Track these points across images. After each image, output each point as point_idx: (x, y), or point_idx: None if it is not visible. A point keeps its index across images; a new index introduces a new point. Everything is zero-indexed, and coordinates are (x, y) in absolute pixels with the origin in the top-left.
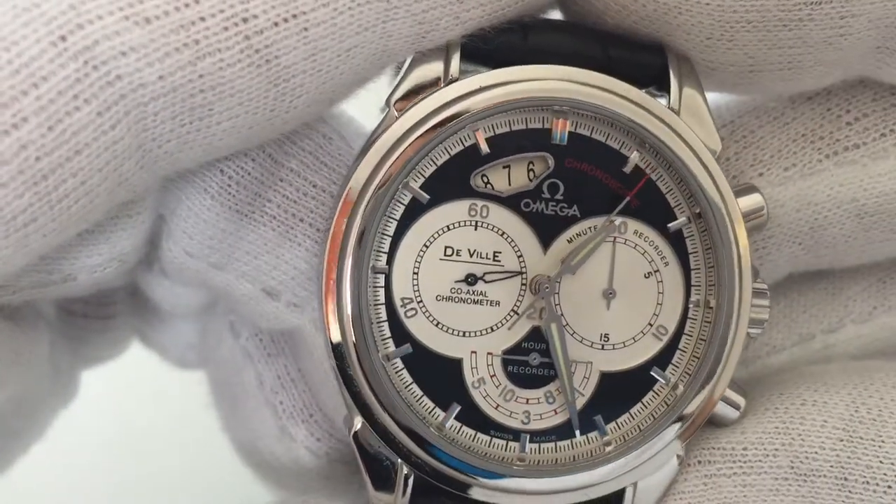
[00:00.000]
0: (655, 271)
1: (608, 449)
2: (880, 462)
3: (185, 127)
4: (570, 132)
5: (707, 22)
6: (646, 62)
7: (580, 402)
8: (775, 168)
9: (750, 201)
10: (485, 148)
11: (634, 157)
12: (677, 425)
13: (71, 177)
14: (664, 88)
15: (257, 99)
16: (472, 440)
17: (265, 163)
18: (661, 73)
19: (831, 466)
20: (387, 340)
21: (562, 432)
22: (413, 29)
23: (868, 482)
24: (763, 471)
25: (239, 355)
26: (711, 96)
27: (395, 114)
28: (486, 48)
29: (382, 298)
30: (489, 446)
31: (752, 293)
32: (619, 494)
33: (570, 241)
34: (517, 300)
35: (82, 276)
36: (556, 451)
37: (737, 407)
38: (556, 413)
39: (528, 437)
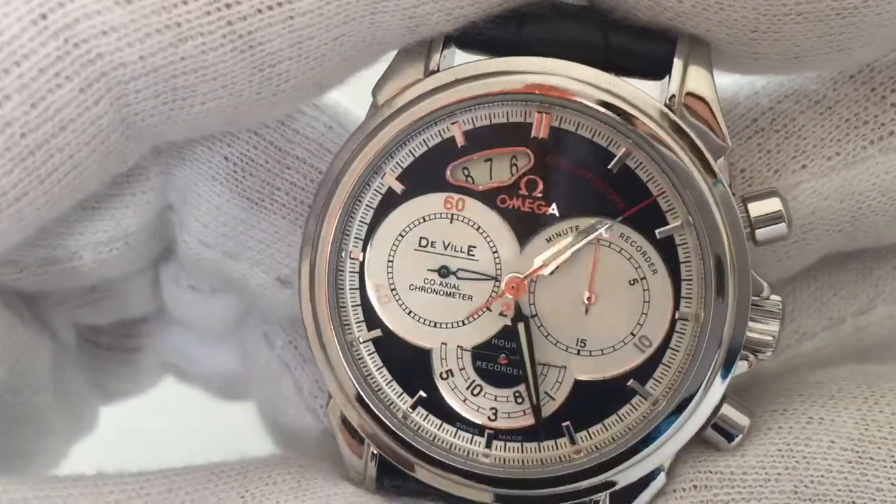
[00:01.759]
0: (642, 279)
1: (577, 457)
2: (892, 484)
3: (168, 105)
4: (552, 127)
5: (752, 16)
6: (650, 51)
7: (550, 407)
8: (818, 158)
9: (762, 207)
10: (461, 141)
11: (622, 154)
12: (656, 442)
13: (58, 152)
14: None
15: (241, 83)
16: (438, 429)
17: (269, 150)
18: (668, 63)
19: (839, 490)
20: (360, 324)
21: (529, 434)
22: (403, 22)
23: None
24: (764, 496)
25: (275, 365)
26: (748, 78)
27: (378, 105)
28: (480, 38)
29: (357, 284)
30: (454, 437)
31: (753, 311)
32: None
33: (548, 241)
34: (490, 296)
35: (88, 255)
36: (522, 452)
37: (738, 429)
38: (524, 414)
39: (493, 433)
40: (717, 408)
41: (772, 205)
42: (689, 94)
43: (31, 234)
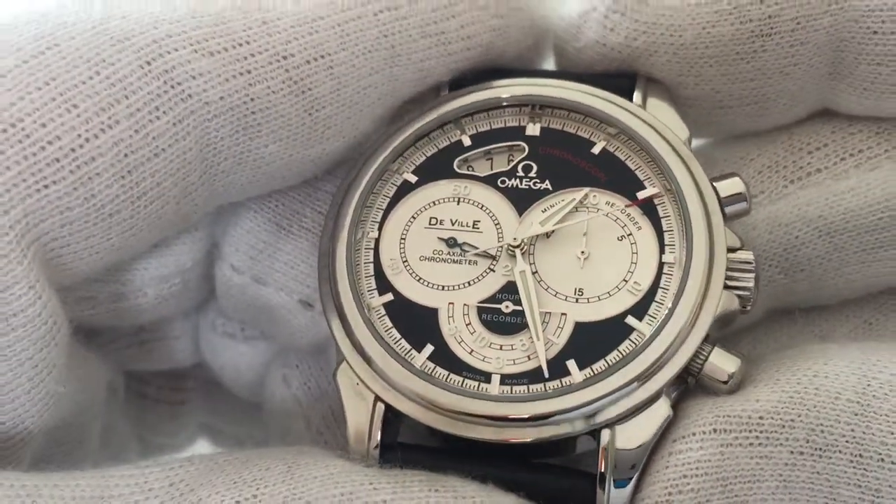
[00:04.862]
0: (628, 234)
1: (576, 383)
2: None
3: (240, 146)
4: (543, 127)
5: (674, 60)
6: (615, 84)
7: (553, 350)
8: None
9: (728, 185)
10: (467, 142)
11: (602, 142)
12: (645, 364)
13: (150, 176)
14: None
15: (296, 125)
16: (446, 380)
17: (301, 186)
18: (630, 95)
19: (847, 441)
20: (372, 292)
21: (534, 377)
22: (414, 74)
23: (884, 459)
24: (780, 443)
25: (290, 403)
26: None
27: None
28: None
29: (372, 258)
30: (462, 386)
31: (728, 262)
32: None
33: (544, 212)
34: (494, 258)
35: (151, 291)
36: (529, 393)
37: (729, 374)
38: (528, 359)
39: (499, 378)
40: (707, 354)
41: (736, 185)
42: (651, 105)
43: (104, 268)
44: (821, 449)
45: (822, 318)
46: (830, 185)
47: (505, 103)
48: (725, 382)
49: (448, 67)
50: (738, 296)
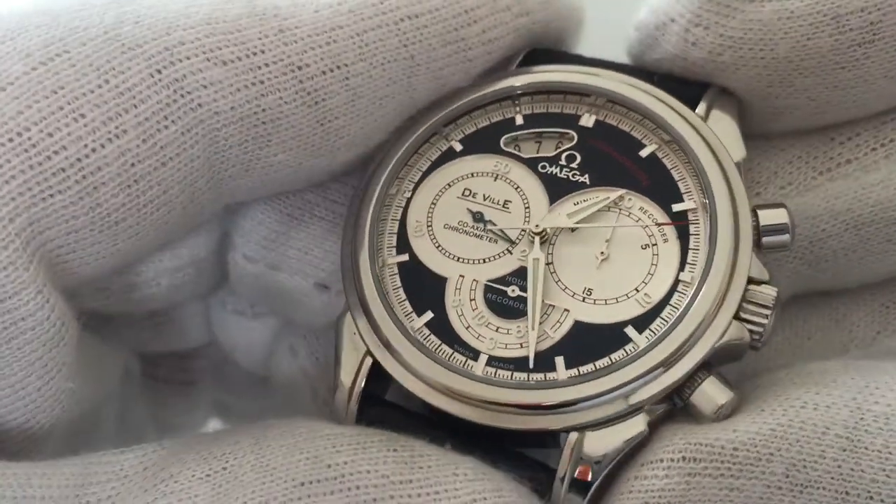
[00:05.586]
0: (653, 245)
1: (557, 381)
2: (887, 476)
3: (248, 155)
4: (598, 120)
5: (764, 73)
6: (684, 91)
7: (546, 343)
8: (771, 187)
9: (771, 214)
10: (520, 121)
11: (652, 146)
12: (631, 376)
13: (156, 185)
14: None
15: (307, 136)
16: (436, 350)
17: None
18: (696, 103)
19: (832, 478)
20: (391, 249)
21: (520, 364)
22: (432, 83)
23: (872, 497)
24: (754, 476)
25: (297, 373)
26: None
27: None
28: None
29: (399, 216)
30: (449, 359)
31: (746, 293)
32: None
33: (576, 204)
34: (515, 240)
35: (165, 281)
36: (511, 380)
37: (717, 403)
38: (521, 346)
39: (486, 358)
40: (701, 381)
41: (779, 216)
42: (713, 119)
43: (111, 271)
44: (801, 485)
45: (840, 302)
46: (860, 178)
47: (566, 90)
48: (713, 412)
49: (467, 74)
50: (750, 330)
